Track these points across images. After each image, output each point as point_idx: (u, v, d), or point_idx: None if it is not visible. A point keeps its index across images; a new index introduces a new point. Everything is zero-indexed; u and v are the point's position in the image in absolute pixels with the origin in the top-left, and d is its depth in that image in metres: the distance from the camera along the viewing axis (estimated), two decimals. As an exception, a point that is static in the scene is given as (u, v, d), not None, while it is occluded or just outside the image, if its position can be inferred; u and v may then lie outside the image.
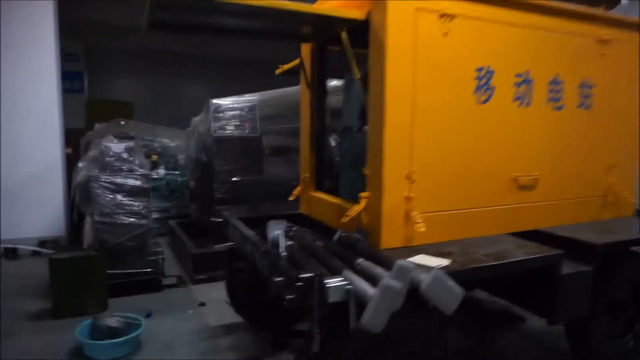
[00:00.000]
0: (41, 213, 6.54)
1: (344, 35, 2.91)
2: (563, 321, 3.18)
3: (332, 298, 2.02)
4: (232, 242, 3.66)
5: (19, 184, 6.46)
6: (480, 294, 4.57)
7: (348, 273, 2.20)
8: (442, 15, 2.89)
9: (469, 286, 3.10)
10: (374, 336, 2.02)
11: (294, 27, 3.35)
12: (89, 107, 11.19)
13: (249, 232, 3.29)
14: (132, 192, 4.86)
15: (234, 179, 5.57)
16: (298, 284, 2.15)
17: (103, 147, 4.90)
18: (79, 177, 4.86)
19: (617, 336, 3.65)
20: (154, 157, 6.87)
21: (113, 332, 3.63)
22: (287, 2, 2.70)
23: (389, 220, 2.89)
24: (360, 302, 2.07)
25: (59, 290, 4.36)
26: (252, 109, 5.69)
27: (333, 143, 6.73)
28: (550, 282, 3.03)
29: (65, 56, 7.52)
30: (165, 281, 5.24)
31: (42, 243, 6.53)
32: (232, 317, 4.30)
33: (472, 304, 4.69)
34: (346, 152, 3.69)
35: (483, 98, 3.13)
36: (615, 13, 3.78)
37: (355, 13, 2.87)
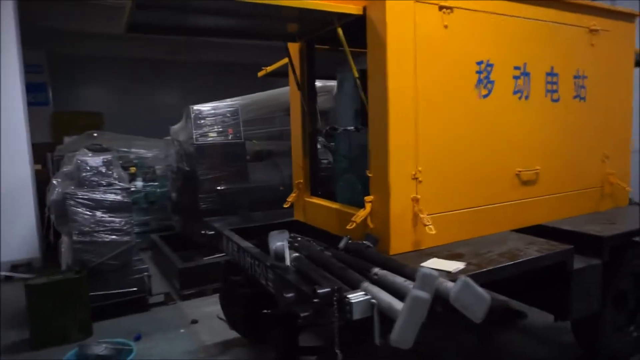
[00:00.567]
0: (12, 235, 6.12)
1: (340, 31, 2.76)
2: (577, 318, 3.11)
3: (357, 315, 1.86)
4: (227, 255, 3.45)
5: (-15, 204, 6.04)
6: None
7: (368, 286, 2.04)
8: (442, 8, 2.78)
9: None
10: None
11: (282, 26, 3.18)
12: (54, 120, 10.68)
13: (247, 244, 3.10)
14: (112, 207, 4.57)
15: (219, 187, 5.33)
16: (315, 300, 1.97)
17: (78, 161, 4.59)
18: (54, 194, 4.54)
19: (621, 327, 3.62)
20: (132, 169, 6.55)
21: (103, 361, 3.37)
22: (281, -2, 2.53)
23: (397, 224, 2.75)
24: (384, 316, 1.92)
25: (38, 318, 4.04)
26: (234, 113, 5.47)
27: (319, 146, 6.59)
28: (561, 279, 2.96)
29: (28, 67, 7.10)
30: (153, 299, 4.96)
31: (15, 267, 6.12)
32: (226, 333, 4.09)
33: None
34: (342, 154, 3.53)
35: (484, 92, 3.04)
36: (602, 3, 3.77)
37: (352, 8, 2.73)
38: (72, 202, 4.37)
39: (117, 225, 4.59)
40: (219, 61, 13.59)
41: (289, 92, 6.94)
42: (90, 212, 4.42)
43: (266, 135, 6.92)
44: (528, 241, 2.99)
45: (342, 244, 2.75)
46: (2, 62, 6.05)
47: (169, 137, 6.24)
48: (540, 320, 4.15)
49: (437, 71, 2.81)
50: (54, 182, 4.68)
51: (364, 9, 2.75)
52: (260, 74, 4.94)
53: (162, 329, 4.37)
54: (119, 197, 4.61)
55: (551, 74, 3.37)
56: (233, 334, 4.01)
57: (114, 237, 4.57)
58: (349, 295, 1.89)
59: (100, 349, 3.41)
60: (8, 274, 5.96)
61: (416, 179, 2.79)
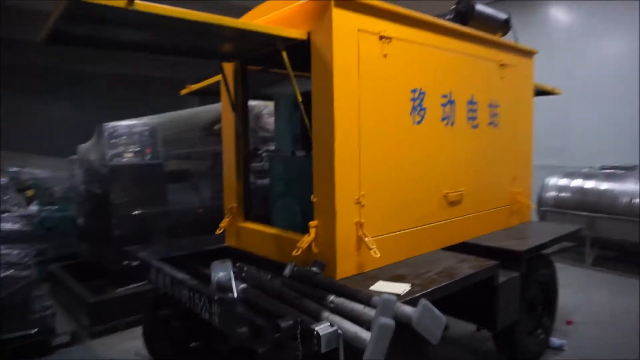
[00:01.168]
0: None
1: (284, 55, 2.73)
2: (503, 327, 3.35)
3: (325, 347, 1.81)
4: (158, 287, 3.17)
5: None
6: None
7: (330, 316, 2.00)
8: (382, 38, 2.89)
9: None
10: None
11: (219, 45, 3.06)
12: None
13: (182, 276, 2.88)
14: (9, 238, 3.99)
15: (135, 212, 4.92)
16: (277, 334, 1.89)
17: (-36, 185, 3.95)
18: None
19: (531, 331, 4.00)
20: (29, 192, 5.79)
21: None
22: (227, 19, 2.44)
23: (342, 249, 2.75)
24: (347, 345, 1.90)
25: None
26: (152, 132, 5.12)
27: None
28: (487, 291, 3.18)
29: None
30: (57, 341, 4.39)
31: None
32: (150, 372, 3.74)
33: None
34: (279, 178, 3.47)
35: (418, 119, 3.20)
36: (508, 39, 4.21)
37: (297, 32, 2.73)
38: (-43, 234, 3.74)
39: (15, 258, 4.02)
40: (130, 74, 12.85)
41: (208, 112, 6.80)
42: (-20, 244, 3.81)
43: (183, 155, 6.57)
44: (459, 259, 3.18)
45: (287, 271, 2.67)
46: None
47: (74, 157, 5.65)
48: (460, 329, 4.43)
49: (378, 98, 2.91)
50: None
51: (308, 34, 2.76)
52: (183, 91, 4.71)
53: (72, 374, 3.88)
54: (17, 226, 4.05)
55: (471, 102, 3.67)
56: (157, 373, 3.69)
57: (10, 271, 3.98)
58: (317, 328, 1.83)
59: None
60: None
61: (359, 203, 2.83)
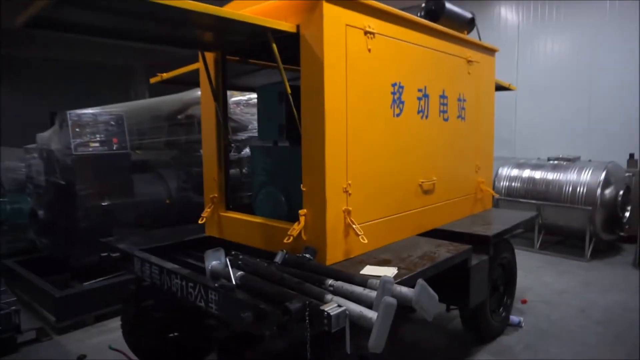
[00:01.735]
0: None
1: (274, 47, 2.78)
2: (474, 306, 3.61)
3: (335, 326, 1.91)
4: (141, 278, 3.14)
5: None
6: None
7: (334, 297, 2.11)
8: (366, 33, 3.00)
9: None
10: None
11: (203, 34, 3.05)
12: None
13: (172, 265, 2.88)
14: (-32, 232, 3.77)
15: (103, 203, 4.77)
16: (286, 316, 1.97)
17: None
18: None
19: (494, 310, 4.32)
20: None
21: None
22: (223, 9, 2.47)
23: (332, 235, 2.87)
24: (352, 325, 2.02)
25: None
26: (119, 121, 4.96)
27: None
28: (460, 274, 3.42)
29: None
30: (22, 338, 4.21)
31: None
32: (127, 365, 3.71)
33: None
34: (262, 168, 3.52)
35: (397, 111, 3.35)
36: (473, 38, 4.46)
37: (286, 25, 2.78)
38: None
39: (-25, 253, 3.80)
40: (77, 61, 12.25)
41: (172, 101, 6.65)
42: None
43: (148, 145, 6.42)
44: (436, 244, 3.39)
45: (278, 258, 2.74)
46: None
47: (31, 146, 5.36)
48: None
49: (362, 91, 3.02)
50: None
51: (297, 27, 2.82)
52: (153, 80, 4.59)
53: (44, 371, 3.76)
54: (-23, 219, 3.82)
55: (443, 96, 3.88)
56: (135, 365, 3.65)
57: (-30, 267, 3.77)
58: (326, 309, 1.93)
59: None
60: None
61: (346, 191, 2.95)
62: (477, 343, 4.22)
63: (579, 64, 8.46)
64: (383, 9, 3.12)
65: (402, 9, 3.43)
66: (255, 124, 6.34)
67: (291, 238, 2.83)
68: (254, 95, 6.23)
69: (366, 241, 2.90)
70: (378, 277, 2.40)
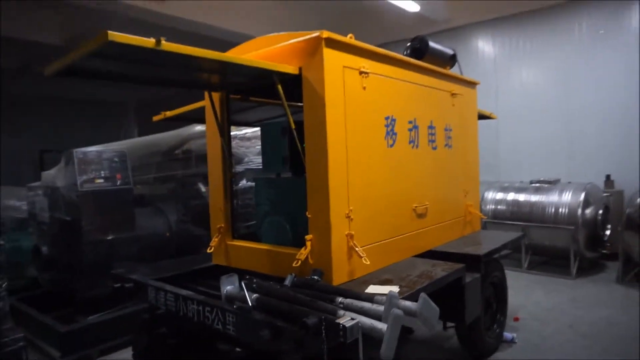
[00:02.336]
0: None
1: (279, 87, 3.07)
2: (469, 322, 3.82)
3: (350, 338, 2.12)
4: (154, 306, 3.30)
5: None
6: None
7: (346, 312, 2.32)
8: (361, 73, 3.32)
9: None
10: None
11: (214, 77, 3.33)
12: None
13: (187, 292, 3.05)
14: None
15: (108, 237, 4.92)
16: (305, 330, 2.17)
17: None
18: None
19: (488, 327, 4.53)
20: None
21: None
22: (231, 56, 2.76)
23: (337, 258, 3.09)
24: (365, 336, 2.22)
25: None
26: (122, 158, 5.17)
27: (204, 189, 6.58)
28: (455, 292, 3.64)
29: None
30: (29, 374, 4.26)
31: None
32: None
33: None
34: (267, 198, 3.75)
35: (390, 142, 3.65)
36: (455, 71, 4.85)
37: (290, 68, 3.08)
38: None
39: (-14, 289, 3.91)
40: (65, 98, 12.51)
41: (169, 138, 6.89)
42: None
43: (147, 180, 6.63)
44: (431, 264, 3.62)
45: (288, 281, 2.94)
46: None
47: (35, 184, 5.51)
48: (422, 331, 4.88)
49: (359, 124, 3.31)
50: None
51: (300, 69, 3.13)
52: (156, 118, 4.85)
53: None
54: (-12, 256, 3.95)
55: (431, 126, 4.20)
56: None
57: (-19, 304, 3.86)
58: (341, 322, 2.14)
59: None
60: None
61: (349, 217, 3.19)
62: (472, 359, 4.41)
63: (554, 90, 9.00)
64: (375, 51, 3.46)
65: (388, 44, 3.79)
66: (250, 156, 6.64)
67: (299, 262, 3.04)
68: (250, 130, 6.53)
69: (368, 262, 3.13)
70: (383, 294, 2.63)
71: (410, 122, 3.90)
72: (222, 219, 3.86)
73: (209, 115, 3.86)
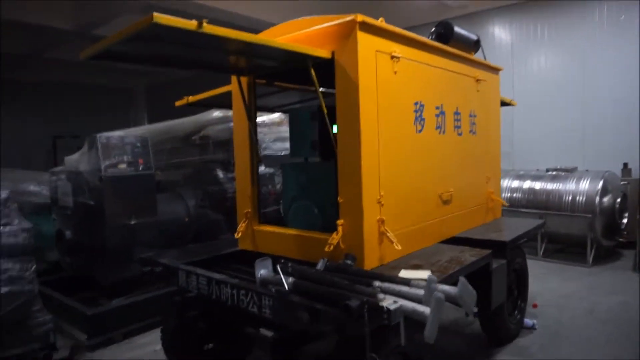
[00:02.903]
0: None
1: (312, 71, 3.05)
2: (495, 307, 3.84)
3: (395, 320, 2.14)
4: (186, 290, 3.33)
5: None
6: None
7: (386, 296, 2.34)
8: (393, 57, 3.29)
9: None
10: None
11: (245, 61, 3.31)
12: None
13: (221, 276, 3.09)
14: (10, 252, 3.94)
15: (131, 222, 4.96)
16: (348, 313, 2.19)
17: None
18: None
19: (510, 313, 4.55)
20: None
21: None
22: (268, 39, 2.75)
23: (369, 243, 3.10)
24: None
25: None
26: (144, 143, 5.19)
27: (221, 175, 6.61)
28: (481, 277, 3.65)
29: None
30: (56, 355, 4.33)
31: None
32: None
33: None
34: (295, 183, 3.76)
35: (419, 128, 3.63)
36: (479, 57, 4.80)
37: (323, 52, 3.06)
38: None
39: (16, 272, 3.97)
40: (73, 83, 12.52)
41: (188, 123, 6.89)
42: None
43: (166, 165, 6.65)
44: (459, 250, 3.63)
45: (320, 266, 2.96)
46: None
47: (58, 168, 5.54)
48: (445, 317, 4.91)
49: (390, 109, 3.30)
50: None
51: (333, 53, 3.10)
52: (179, 103, 4.84)
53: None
54: (18, 239, 4.00)
55: (457, 112, 4.18)
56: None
57: (11, 287, 3.92)
58: (385, 304, 2.16)
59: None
60: None
61: (380, 202, 3.20)
62: (495, 345, 4.43)
63: (571, 77, 8.90)
64: (406, 35, 3.43)
65: (409, 28, 3.74)
66: (267, 142, 6.65)
67: (332, 246, 3.06)
68: (267, 116, 6.53)
69: (400, 248, 3.15)
70: (418, 279, 2.65)
71: (437, 108, 3.88)
72: (249, 204, 3.87)
73: (236, 99, 3.86)
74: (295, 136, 3.75)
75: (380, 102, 3.19)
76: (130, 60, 3.01)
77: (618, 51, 8.34)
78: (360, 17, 2.99)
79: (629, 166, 8.01)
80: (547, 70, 9.24)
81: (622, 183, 7.46)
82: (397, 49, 3.33)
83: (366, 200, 3.08)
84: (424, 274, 2.93)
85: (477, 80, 4.54)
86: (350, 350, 2.39)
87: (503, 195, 7.99)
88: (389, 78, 3.28)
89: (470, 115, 4.44)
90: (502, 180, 8.10)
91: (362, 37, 3.02)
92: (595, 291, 5.97)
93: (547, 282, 6.40)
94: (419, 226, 3.67)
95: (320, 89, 3.19)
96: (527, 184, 7.79)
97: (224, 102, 4.83)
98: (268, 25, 3.88)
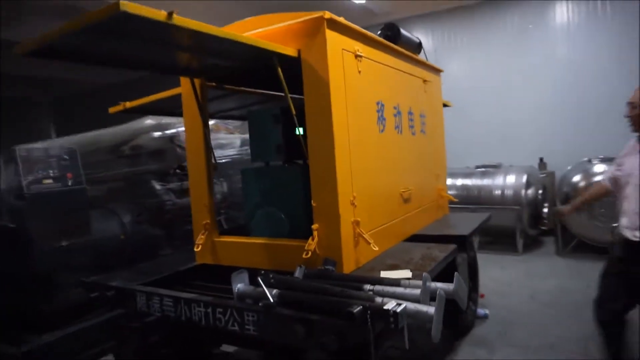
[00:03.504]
0: None
1: (280, 71, 2.90)
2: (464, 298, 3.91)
3: (402, 323, 2.05)
4: (145, 313, 2.99)
5: None
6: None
7: (384, 299, 2.25)
8: (357, 56, 3.25)
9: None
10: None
11: (205, 60, 3.06)
12: None
13: (190, 295, 2.81)
14: None
15: (62, 243, 4.39)
16: (350, 320, 2.07)
17: None
18: None
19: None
20: None
21: None
22: (240, 35, 2.56)
23: (346, 246, 3.01)
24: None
25: None
26: (72, 155, 4.63)
27: (158, 186, 6.16)
28: (449, 272, 3.71)
29: None
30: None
31: None
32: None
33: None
34: (258, 189, 3.55)
35: (381, 127, 3.62)
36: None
37: (289, 50, 2.92)
38: None
39: None
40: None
41: (114, 134, 6.35)
42: None
43: (90, 180, 6.02)
44: (425, 247, 3.66)
45: (298, 274, 2.81)
46: None
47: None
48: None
49: (357, 109, 3.24)
50: None
51: (299, 51, 2.98)
52: (114, 109, 4.40)
53: None
54: None
55: (410, 112, 4.25)
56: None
57: None
58: (390, 308, 2.07)
59: None
60: None
61: (353, 204, 3.12)
62: (454, 337, 4.56)
63: (490, 80, 9.59)
64: (367, 35, 3.41)
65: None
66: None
67: (309, 253, 2.92)
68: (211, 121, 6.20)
69: (377, 248, 3.09)
70: (406, 278, 2.61)
71: (394, 108, 3.91)
72: (207, 214, 3.60)
73: (189, 103, 3.57)
74: (256, 139, 3.55)
75: (349, 101, 3.12)
76: (72, 58, 2.63)
77: (529, 56, 9.14)
78: (327, 15, 2.91)
79: (544, 160, 8.78)
80: (468, 74, 9.86)
81: (541, 176, 8.13)
82: (360, 48, 3.29)
83: (342, 202, 2.98)
84: (406, 273, 2.91)
85: (425, 81, 4.66)
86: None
87: (439, 193, 8.34)
88: (354, 77, 3.22)
89: (421, 116, 4.55)
90: (436, 179, 8.46)
91: (330, 35, 2.94)
92: (532, 277, 6.42)
93: (487, 272, 6.75)
94: (386, 226, 3.65)
95: (268, 92, 3.05)
96: (459, 181, 8.20)
97: (165, 107, 4.50)
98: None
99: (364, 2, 8.90)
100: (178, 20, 2.10)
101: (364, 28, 4.12)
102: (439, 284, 2.41)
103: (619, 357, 3.40)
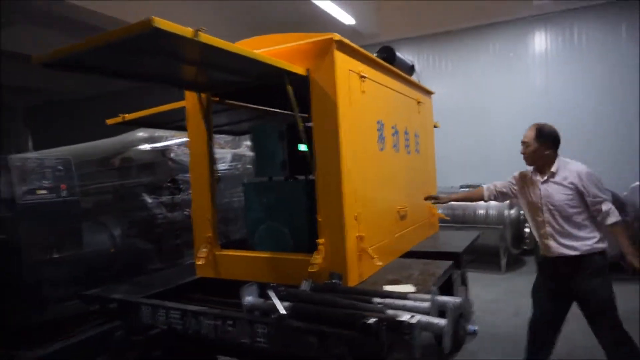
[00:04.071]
0: None
1: (289, 88, 2.99)
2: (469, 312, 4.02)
3: (418, 334, 2.12)
4: (150, 326, 2.98)
5: None
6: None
7: (397, 311, 2.32)
8: (361, 77, 3.38)
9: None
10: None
11: (219, 75, 3.14)
12: None
13: (198, 307, 2.82)
14: None
15: (54, 256, 4.31)
16: (366, 333, 2.13)
17: None
18: None
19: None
20: None
21: None
22: (256, 53, 2.65)
23: (351, 260, 3.08)
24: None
25: None
26: (67, 165, 4.58)
27: (149, 200, 6.12)
28: (445, 287, 3.82)
29: None
30: None
31: None
32: None
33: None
34: (261, 204, 3.60)
35: (381, 146, 3.75)
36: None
37: (299, 68, 3.03)
38: None
39: None
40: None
41: (103, 146, 6.32)
42: None
43: (83, 191, 5.94)
44: (422, 263, 3.76)
45: (305, 287, 2.86)
46: None
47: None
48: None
49: (360, 127, 3.36)
50: None
51: (308, 70, 3.09)
52: (112, 121, 4.40)
53: None
54: None
55: (406, 132, 4.39)
56: None
57: None
58: (405, 320, 2.14)
59: None
60: None
61: (357, 219, 3.20)
62: (449, 353, 4.63)
63: (471, 103, 9.94)
64: (370, 57, 3.56)
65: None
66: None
67: (316, 267, 2.97)
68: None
69: (380, 263, 3.17)
70: (413, 292, 2.70)
71: (393, 127, 4.04)
72: (210, 228, 3.62)
73: (194, 117, 3.62)
74: (260, 155, 3.62)
75: (354, 120, 3.23)
76: (85, 70, 2.67)
77: (509, 82, 9.54)
78: (337, 36, 3.03)
79: (525, 181, 9.07)
80: (450, 97, 10.18)
81: (522, 196, 8.39)
82: (363, 69, 3.43)
83: (347, 217, 3.06)
84: (410, 287, 2.99)
85: (418, 102, 4.84)
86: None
87: (424, 211, 8.51)
88: (358, 97, 3.34)
89: (415, 135, 4.70)
90: (422, 198, 8.63)
91: (338, 56, 3.06)
92: (515, 295, 6.58)
93: (472, 290, 6.88)
94: (385, 242, 3.74)
95: (273, 110, 3.15)
96: (445, 200, 8.38)
97: (164, 120, 4.53)
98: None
99: (353, 23, 9.15)
100: (204, 37, 2.18)
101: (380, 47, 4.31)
102: (447, 298, 2.50)
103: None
